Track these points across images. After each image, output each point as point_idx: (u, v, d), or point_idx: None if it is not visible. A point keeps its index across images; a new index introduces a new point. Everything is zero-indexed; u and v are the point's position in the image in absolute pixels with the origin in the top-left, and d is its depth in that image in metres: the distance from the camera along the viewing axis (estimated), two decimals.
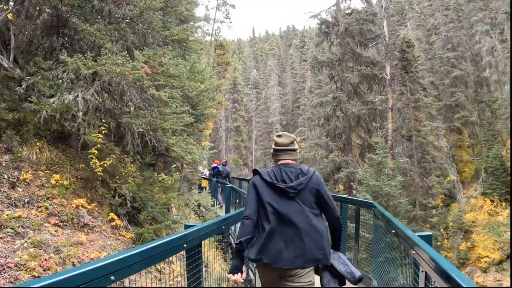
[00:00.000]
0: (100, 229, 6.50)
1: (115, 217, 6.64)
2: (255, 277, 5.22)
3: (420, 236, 3.08)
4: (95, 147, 6.71)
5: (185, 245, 3.14)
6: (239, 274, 3.18)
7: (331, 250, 3.41)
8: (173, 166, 8.06)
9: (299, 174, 3.41)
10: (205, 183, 21.13)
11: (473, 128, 45.66)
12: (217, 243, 8.72)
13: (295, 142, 3.66)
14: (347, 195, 20.34)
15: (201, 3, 42.84)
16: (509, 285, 28.57)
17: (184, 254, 3.32)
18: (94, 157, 6.64)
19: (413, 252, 2.88)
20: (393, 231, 3.99)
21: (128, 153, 7.55)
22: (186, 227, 3.65)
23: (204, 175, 21.29)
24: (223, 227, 4.32)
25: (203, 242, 3.76)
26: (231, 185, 12.22)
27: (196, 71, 11.86)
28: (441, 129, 39.34)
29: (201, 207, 11.95)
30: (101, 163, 6.75)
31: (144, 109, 6.84)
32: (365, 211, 7.84)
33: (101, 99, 7.51)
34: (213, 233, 3.95)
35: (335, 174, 22.71)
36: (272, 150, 3.70)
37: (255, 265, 3.70)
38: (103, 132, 6.76)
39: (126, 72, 6.17)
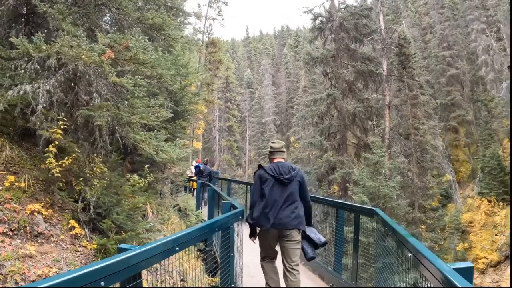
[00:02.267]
0: (57, 239, 5.60)
1: (75, 225, 5.76)
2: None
3: (456, 269, 2.14)
4: (53, 144, 5.81)
5: (102, 283, 2.08)
6: (253, 237, 5.33)
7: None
8: (146, 166, 7.19)
9: (290, 169, 5.19)
10: (195, 185, 20.65)
11: (469, 127, 45.15)
12: (198, 252, 7.86)
13: (283, 146, 5.44)
14: (343, 197, 19.50)
15: None
16: (507, 285, 28.17)
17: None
18: (51, 156, 5.75)
19: None
20: (410, 254, 2.94)
21: (100, 152, 6.69)
22: (120, 250, 2.70)
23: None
24: (177, 248, 3.06)
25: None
26: (214, 187, 11.44)
27: (180, 64, 10.99)
28: (438, 128, 38.78)
29: (186, 210, 11.16)
30: (59, 163, 5.86)
31: (112, 101, 5.95)
32: (366, 219, 6.80)
33: (65, 91, 6.65)
34: (162, 257, 2.89)
35: (329, 175, 21.72)
36: (268, 152, 5.44)
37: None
38: (62, 127, 5.86)
39: (83, 56, 5.29)
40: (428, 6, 55.45)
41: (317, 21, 23.38)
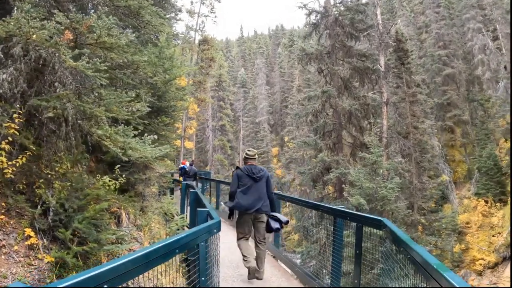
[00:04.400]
0: (10, 250, 4.80)
1: (32, 233, 4.96)
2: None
3: None
4: (6, 140, 5.00)
5: None
6: (232, 217, 7.38)
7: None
8: (117, 166, 6.37)
9: (260, 170, 7.06)
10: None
11: (465, 127, 44.62)
12: (179, 263, 7.06)
13: (256, 154, 7.33)
14: (338, 199, 18.76)
15: None
16: (506, 285, 27.81)
17: None
18: (3, 154, 4.95)
19: None
20: None
21: (68, 150, 5.89)
22: None
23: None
24: (105, 286, 2.15)
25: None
26: (197, 189, 10.69)
27: (164, 57, 10.22)
28: (435, 127, 38.23)
29: (166, 214, 10.39)
30: (13, 162, 5.07)
31: (77, 91, 5.15)
32: (371, 231, 5.74)
33: (31, 82, 5.87)
34: None
35: (324, 175, 20.80)
36: (244, 157, 7.31)
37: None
38: (16, 120, 5.05)
39: (33, 36, 4.51)
40: (424, 5, 54.87)
41: (312, 17, 22.58)
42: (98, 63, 4.63)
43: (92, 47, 5.12)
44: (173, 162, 27.10)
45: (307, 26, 23.40)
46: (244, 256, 6.87)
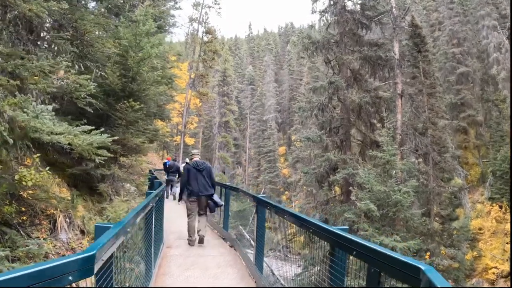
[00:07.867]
0: None
1: None
2: None
3: None
4: None
5: None
6: (182, 201, 9.94)
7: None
8: (37, 155, 4.74)
9: (203, 164, 9.26)
10: None
11: (478, 128, 42.87)
12: None
13: (199, 151, 10.29)
14: (345, 202, 17.07)
15: None
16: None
17: None
18: None
19: None
20: None
21: None
22: None
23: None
24: None
25: None
26: (160, 188, 9.21)
27: (139, 33, 8.66)
28: (450, 127, 36.53)
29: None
30: None
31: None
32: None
33: None
34: None
35: (330, 176, 19.01)
36: (191, 154, 9.84)
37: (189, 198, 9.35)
38: None
39: None
40: (437, 2, 53.13)
41: (318, 3, 20.88)
42: None
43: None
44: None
45: (313, 13, 21.61)
46: (189, 235, 9.17)
